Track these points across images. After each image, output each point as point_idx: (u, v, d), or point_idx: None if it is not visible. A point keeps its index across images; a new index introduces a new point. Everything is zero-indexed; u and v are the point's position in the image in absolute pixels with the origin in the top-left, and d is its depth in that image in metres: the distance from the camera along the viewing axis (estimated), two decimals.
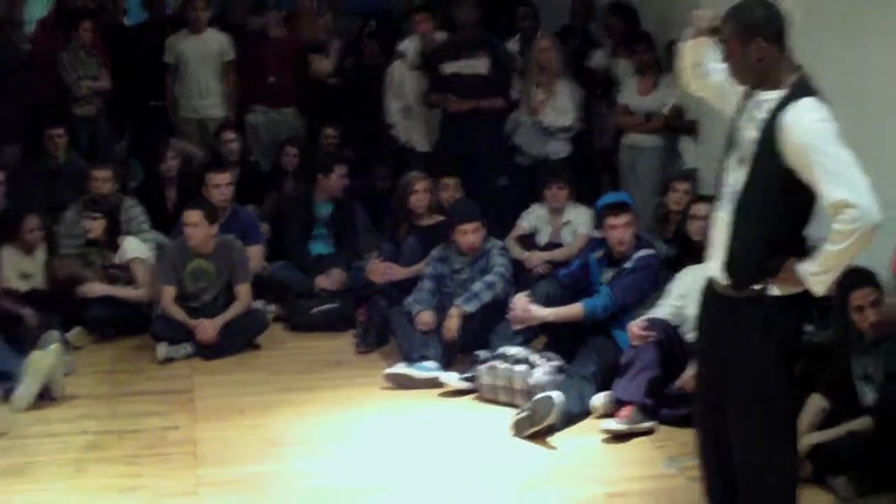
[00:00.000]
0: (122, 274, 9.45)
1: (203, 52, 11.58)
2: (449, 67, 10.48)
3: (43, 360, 7.80)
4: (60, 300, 9.20)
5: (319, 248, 10.13)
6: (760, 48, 4.62)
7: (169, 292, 9.01)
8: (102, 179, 9.82)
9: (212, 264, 9.08)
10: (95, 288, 9.31)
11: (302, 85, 11.92)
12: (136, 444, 7.12)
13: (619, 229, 7.79)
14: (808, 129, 4.54)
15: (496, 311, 8.24)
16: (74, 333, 9.07)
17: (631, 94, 10.18)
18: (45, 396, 7.80)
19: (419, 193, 9.39)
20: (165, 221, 10.20)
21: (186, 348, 8.79)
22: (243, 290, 9.08)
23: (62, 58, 11.39)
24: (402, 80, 11.04)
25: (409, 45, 11.08)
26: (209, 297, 9.10)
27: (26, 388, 7.71)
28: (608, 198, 8.22)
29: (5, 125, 11.31)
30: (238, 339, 8.90)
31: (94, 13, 12.11)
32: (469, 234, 8.49)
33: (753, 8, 4.68)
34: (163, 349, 8.72)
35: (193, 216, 9.01)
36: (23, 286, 9.18)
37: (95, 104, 11.54)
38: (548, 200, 9.67)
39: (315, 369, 8.50)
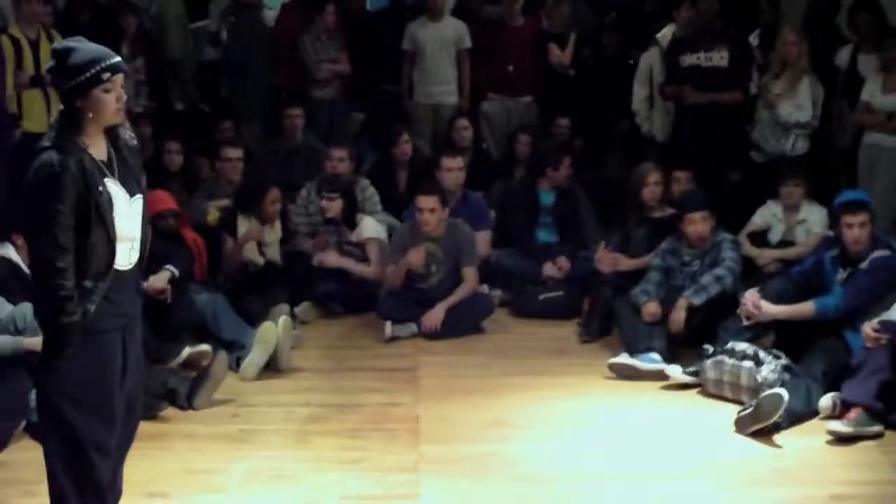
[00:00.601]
0: (356, 251, 9.57)
1: (440, 40, 11.67)
2: (688, 59, 10.32)
3: (272, 331, 7.98)
4: (291, 275, 9.37)
5: (545, 236, 10.11)
6: None
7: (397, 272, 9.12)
8: (339, 159, 10.00)
9: (440, 247, 9.13)
10: (331, 257, 9.48)
11: (539, 74, 11.90)
12: (359, 418, 7.23)
13: (856, 228, 7.58)
14: None
15: (724, 305, 8.09)
16: (304, 308, 9.24)
17: (874, 92, 9.87)
18: (272, 367, 7.99)
19: (651, 185, 9.30)
20: (396, 204, 10.31)
21: (412, 328, 8.88)
22: (470, 273, 9.11)
23: (304, 41, 11.61)
24: (653, 69, 10.94)
25: (667, 32, 10.97)
26: (436, 279, 9.15)
27: (255, 358, 7.91)
28: (846, 196, 7.99)
29: (247, 103, 11.61)
30: (463, 322, 8.93)
31: None
32: (697, 224, 8.37)
33: None
34: (389, 328, 8.81)
35: (429, 201, 9.06)
36: (257, 256, 9.37)
37: (334, 87, 11.72)
38: (783, 197, 9.48)
39: (538, 355, 8.48)
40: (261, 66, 11.74)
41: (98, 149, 4.86)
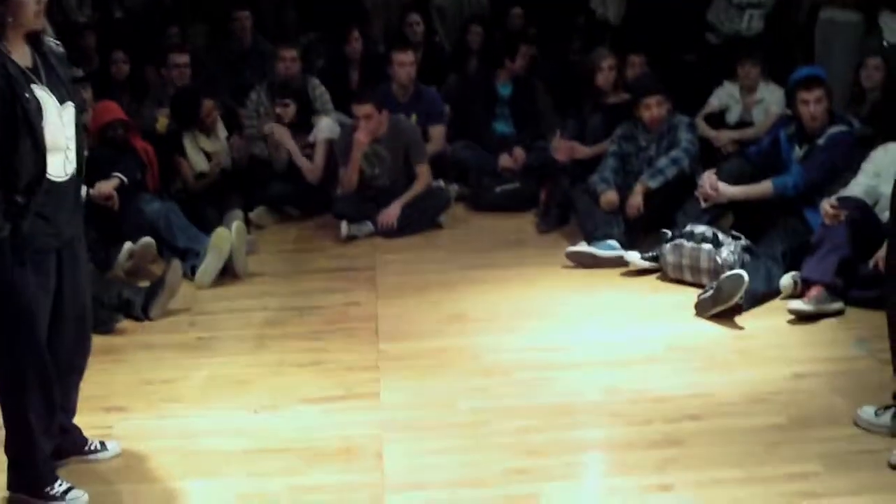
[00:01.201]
0: (311, 153, 9.47)
1: None
2: None
3: (226, 237, 7.89)
4: (243, 180, 9.26)
5: (501, 127, 10.02)
6: None
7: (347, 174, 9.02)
8: (290, 59, 9.86)
9: (385, 147, 9.02)
10: (281, 132, 9.43)
11: None
12: (318, 319, 7.17)
13: (812, 104, 7.50)
14: None
15: (682, 188, 8.03)
16: (258, 212, 9.18)
17: None
18: (228, 274, 7.90)
19: (605, 71, 9.21)
20: (349, 101, 10.17)
21: (368, 226, 8.81)
22: (422, 170, 9.04)
23: None
24: None
25: None
26: (388, 179, 9.07)
27: (209, 265, 7.82)
28: (801, 72, 7.91)
29: (193, 6, 11.45)
30: (420, 218, 8.88)
31: None
32: (653, 108, 8.28)
33: None
34: (345, 227, 8.75)
35: (365, 109, 8.93)
36: (205, 166, 9.24)
37: None
38: (740, 78, 9.41)
39: (497, 248, 8.45)
40: None
41: (21, 55, 4.71)
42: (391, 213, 8.80)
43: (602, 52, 9.41)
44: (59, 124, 4.74)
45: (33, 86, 4.66)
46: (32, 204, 4.64)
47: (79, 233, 5.02)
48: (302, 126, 9.54)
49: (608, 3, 10.79)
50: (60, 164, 4.76)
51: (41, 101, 4.67)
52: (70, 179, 4.85)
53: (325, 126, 9.54)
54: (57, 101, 4.76)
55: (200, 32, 11.64)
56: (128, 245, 7.92)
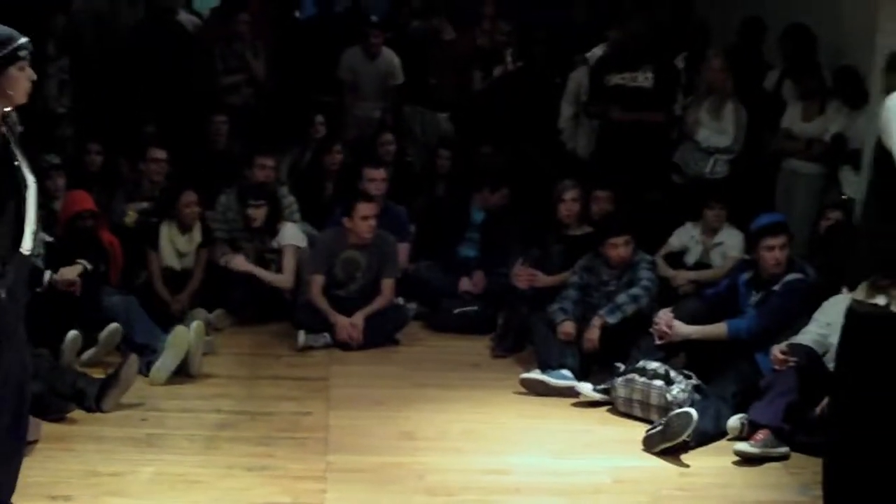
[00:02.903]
0: (275, 259, 9.57)
1: (375, 75, 11.85)
2: (613, 79, 10.35)
3: (184, 336, 7.92)
4: (208, 281, 9.34)
5: (468, 251, 10.13)
6: None
7: (318, 281, 9.09)
8: (262, 166, 9.99)
9: (364, 256, 9.14)
10: (237, 262, 9.45)
11: (461, 90, 11.96)
12: (269, 426, 7.17)
13: (777, 250, 7.66)
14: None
15: (638, 325, 8.13)
16: (217, 315, 9.19)
17: (794, 119, 9.98)
18: (183, 373, 7.92)
19: (568, 202, 9.34)
20: (318, 213, 10.30)
21: (326, 338, 8.85)
22: (388, 285, 9.13)
23: (217, 48, 11.68)
24: (581, 88, 10.97)
25: (597, 52, 11.04)
26: (356, 287, 9.17)
27: (165, 363, 7.85)
28: (765, 218, 8.06)
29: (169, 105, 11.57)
30: (378, 334, 8.93)
31: (261, 4, 12.40)
32: (619, 247, 8.42)
33: None
34: (302, 337, 8.79)
35: (371, 208, 9.11)
36: (177, 263, 9.32)
37: (243, 94, 11.73)
38: (708, 220, 9.52)
39: (451, 369, 8.50)
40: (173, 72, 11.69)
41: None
42: (357, 325, 8.86)
43: (566, 183, 9.54)
44: (31, 200, 4.83)
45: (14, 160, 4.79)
46: (7, 273, 4.72)
47: (22, 312, 5.06)
48: (268, 231, 9.62)
49: (578, 137, 10.94)
50: (29, 237, 4.84)
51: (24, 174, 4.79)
52: (30, 256, 4.92)
53: (291, 233, 9.64)
54: (30, 177, 4.86)
55: (178, 131, 11.73)
56: (73, 333, 7.93)
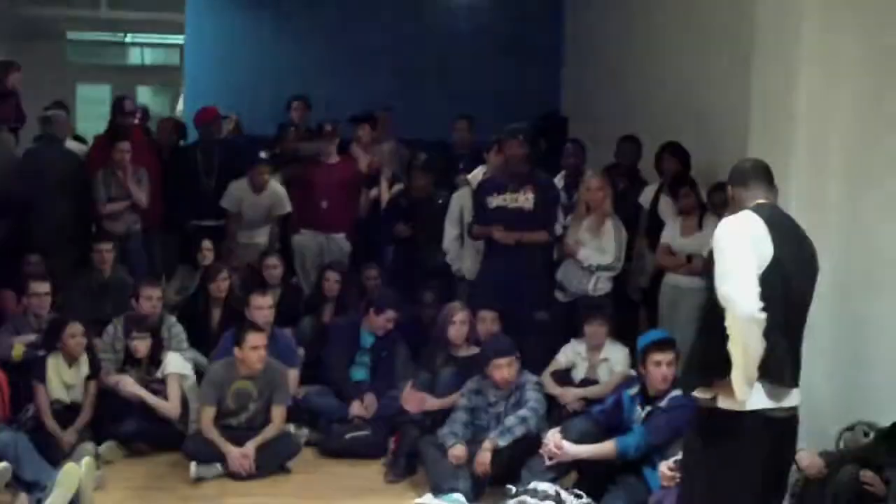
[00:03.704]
0: (162, 388, 9.50)
1: (261, 208, 11.90)
2: (494, 200, 10.50)
3: (75, 473, 7.85)
4: (95, 413, 9.24)
5: (359, 374, 10.13)
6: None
7: (209, 413, 9.05)
8: (147, 297, 9.96)
9: (255, 386, 9.15)
10: (127, 382, 9.39)
11: (353, 212, 12.09)
12: None
13: (664, 366, 7.81)
14: (717, 230, 5.57)
15: (528, 445, 8.22)
16: (107, 447, 9.10)
17: (674, 235, 10.21)
18: None
19: (457, 324, 9.45)
20: (206, 340, 10.29)
21: (217, 468, 8.81)
22: (278, 413, 9.13)
23: (97, 175, 11.69)
24: (463, 209, 11.10)
25: (478, 174, 11.20)
26: (247, 416, 9.16)
27: (56, 500, 7.74)
28: (653, 335, 8.24)
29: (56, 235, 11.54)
30: (269, 462, 8.92)
31: (146, 131, 12.45)
32: (503, 369, 8.53)
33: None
34: (194, 468, 8.73)
35: (260, 338, 9.13)
36: (65, 396, 9.24)
37: (125, 222, 11.73)
38: (588, 337, 9.66)
39: (344, 496, 8.49)
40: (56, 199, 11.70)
41: None
42: (248, 455, 8.84)
43: (454, 305, 9.66)
44: None
45: None
46: None
47: None
48: (152, 361, 9.59)
49: (463, 258, 11.05)
50: None
51: None
52: None
53: (173, 361, 9.60)
54: None
55: (64, 260, 11.70)
56: None
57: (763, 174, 5.92)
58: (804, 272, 5.72)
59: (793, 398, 5.64)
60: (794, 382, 5.63)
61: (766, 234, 5.53)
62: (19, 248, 11.32)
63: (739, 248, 5.45)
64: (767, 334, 5.36)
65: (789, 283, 5.54)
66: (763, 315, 5.28)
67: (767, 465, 5.58)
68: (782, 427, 5.60)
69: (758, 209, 5.67)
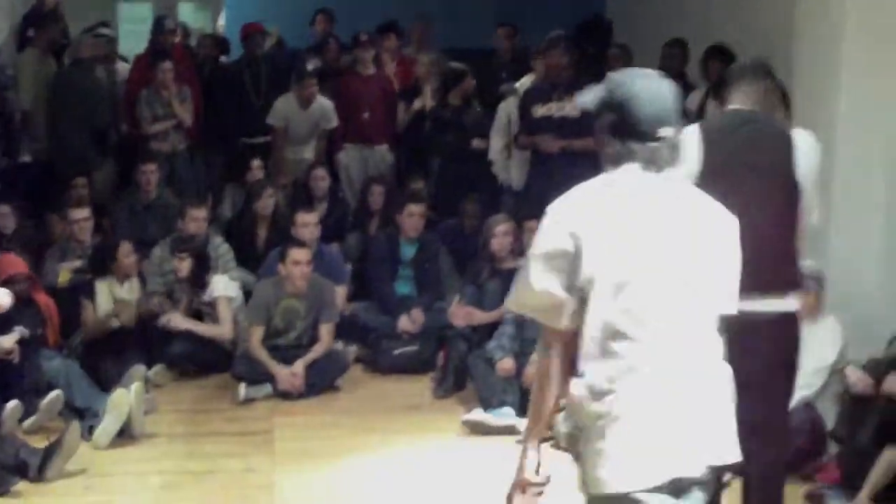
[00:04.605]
0: (210, 311, 9.54)
1: (308, 122, 11.80)
2: (539, 110, 10.40)
3: (125, 399, 7.90)
4: (144, 337, 9.29)
5: (403, 288, 10.13)
6: None
7: (257, 332, 9.08)
8: (193, 218, 9.95)
9: (303, 304, 9.16)
10: (178, 320, 9.40)
11: (394, 122, 12.01)
12: (214, 485, 7.22)
13: None
14: None
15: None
16: (157, 371, 9.16)
17: None
18: (126, 434, 7.89)
19: (500, 237, 9.35)
20: (254, 259, 10.28)
21: (267, 388, 8.85)
22: (326, 331, 9.14)
23: (141, 95, 11.69)
24: (511, 119, 11.00)
25: (525, 83, 11.08)
26: (295, 334, 9.18)
27: (107, 426, 7.82)
28: None
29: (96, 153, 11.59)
30: (319, 381, 8.95)
31: (187, 49, 12.41)
32: None
33: None
34: (243, 389, 8.78)
35: (303, 254, 9.14)
36: (113, 322, 9.26)
37: (170, 141, 11.73)
38: None
39: (394, 413, 8.51)
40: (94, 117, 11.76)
41: None
42: (298, 374, 8.87)
43: (497, 217, 9.57)
44: None
45: None
46: None
47: None
48: (198, 282, 9.61)
49: (510, 169, 10.97)
50: None
51: None
52: None
53: (221, 284, 9.60)
54: None
55: (108, 180, 11.75)
56: (13, 402, 7.83)
57: (750, 73, 5.69)
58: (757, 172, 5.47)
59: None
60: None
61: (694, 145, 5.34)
62: (61, 172, 11.34)
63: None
64: None
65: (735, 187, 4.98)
66: None
67: None
68: None
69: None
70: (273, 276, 9.34)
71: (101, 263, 9.42)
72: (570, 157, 10.17)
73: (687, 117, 10.38)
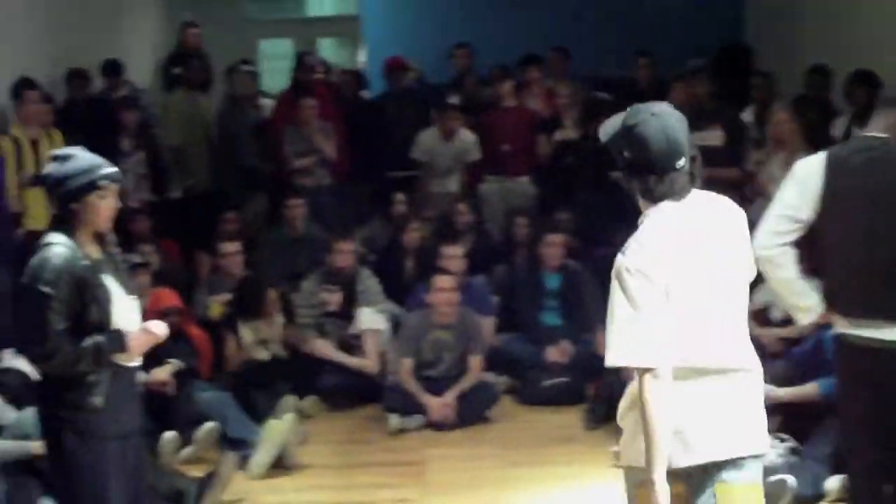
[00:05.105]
0: (358, 343, 9.61)
1: (451, 155, 11.88)
2: None
3: (279, 429, 8.00)
4: (295, 369, 9.39)
5: (550, 319, 10.10)
6: None
7: (407, 364, 9.12)
8: (340, 251, 10.03)
9: (451, 335, 9.19)
10: (325, 349, 9.50)
11: (535, 155, 12.02)
12: None
13: None
14: None
15: None
16: (309, 402, 9.24)
17: None
18: (280, 465, 7.96)
19: None
20: (401, 292, 10.35)
21: (418, 419, 8.88)
22: (476, 363, 9.15)
23: (286, 131, 11.84)
24: None
25: None
26: (444, 366, 9.20)
27: (262, 456, 7.91)
28: None
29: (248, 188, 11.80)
30: (469, 413, 8.95)
31: (328, 84, 12.57)
32: None
33: None
34: (395, 420, 8.82)
35: (448, 282, 9.19)
36: (261, 353, 9.39)
37: (316, 176, 11.85)
38: None
39: (546, 444, 8.47)
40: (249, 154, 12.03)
41: (91, 250, 5.11)
42: (449, 405, 8.91)
43: None
44: (128, 314, 5.05)
45: (104, 276, 5.03)
46: (102, 383, 5.07)
47: (138, 426, 5.36)
48: (345, 316, 9.70)
49: None
50: None
51: (112, 291, 5.10)
52: (134, 368, 5.13)
53: (367, 317, 9.70)
54: (124, 292, 5.09)
55: (258, 215, 11.95)
56: (170, 434, 8.01)
57: (891, 102, 5.84)
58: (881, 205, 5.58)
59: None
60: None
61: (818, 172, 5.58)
62: (212, 207, 11.55)
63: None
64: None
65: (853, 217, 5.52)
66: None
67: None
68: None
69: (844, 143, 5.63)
70: (421, 309, 9.39)
71: (246, 307, 9.54)
72: (712, 185, 10.07)
73: (832, 142, 10.37)
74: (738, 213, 4.58)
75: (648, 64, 12.71)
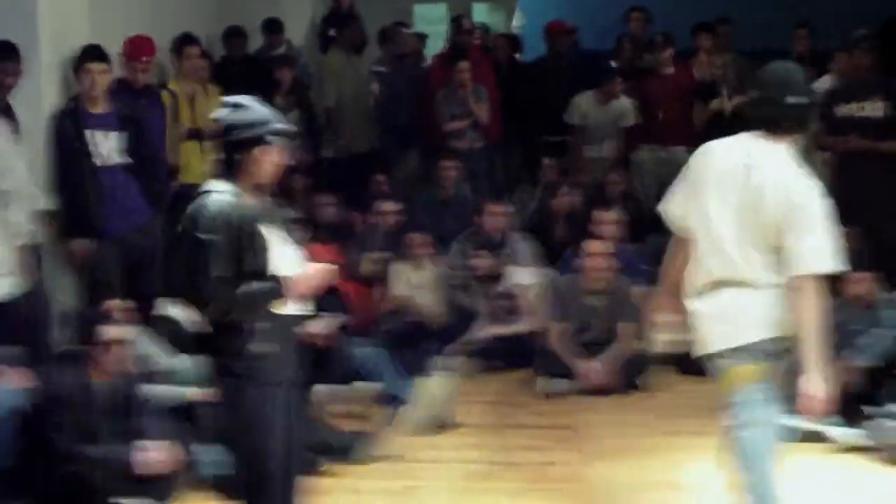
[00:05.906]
0: (508, 303, 9.62)
1: (607, 119, 11.82)
2: (841, 110, 10.15)
3: (433, 388, 8.04)
4: (449, 328, 9.44)
5: None
6: None
7: (557, 329, 9.08)
8: (496, 214, 10.07)
9: (602, 301, 9.14)
10: (484, 331, 9.52)
11: (692, 124, 11.89)
12: (520, 476, 7.25)
13: None
14: None
15: (886, 366, 7.95)
16: (462, 362, 9.23)
17: None
18: (433, 422, 8.01)
19: None
20: (549, 257, 10.32)
21: (569, 384, 8.85)
22: (626, 330, 9.06)
23: (439, 94, 11.87)
24: None
25: (820, 85, 10.87)
26: (596, 333, 9.14)
27: (415, 414, 7.97)
28: None
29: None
30: (620, 379, 8.90)
31: (483, 48, 12.57)
32: (863, 285, 8.24)
33: None
34: (546, 383, 8.81)
35: (600, 246, 9.16)
36: (416, 298, 9.57)
37: (468, 140, 11.86)
38: None
39: (702, 413, 8.23)
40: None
41: (250, 200, 5.16)
42: (600, 370, 8.86)
43: None
44: (286, 263, 5.11)
45: (263, 225, 5.11)
46: (269, 332, 5.11)
47: (300, 374, 5.43)
48: (495, 279, 9.72)
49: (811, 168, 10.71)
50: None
51: (272, 241, 5.14)
52: (294, 318, 5.21)
53: (518, 276, 9.69)
54: (285, 242, 5.22)
55: (410, 175, 12.01)
56: (325, 388, 8.11)
57: None
58: None
59: None
60: None
61: None
62: (366, 166, 11.64)
63: None
64: None
65: None
66: None
67: None
68: None
69: None
70: (571, 274, 9.35)
71: (398, 248, 9.71)
72: (873, 159, 9.92)
73: None
74: None
75: (806, 35, 12.48)
